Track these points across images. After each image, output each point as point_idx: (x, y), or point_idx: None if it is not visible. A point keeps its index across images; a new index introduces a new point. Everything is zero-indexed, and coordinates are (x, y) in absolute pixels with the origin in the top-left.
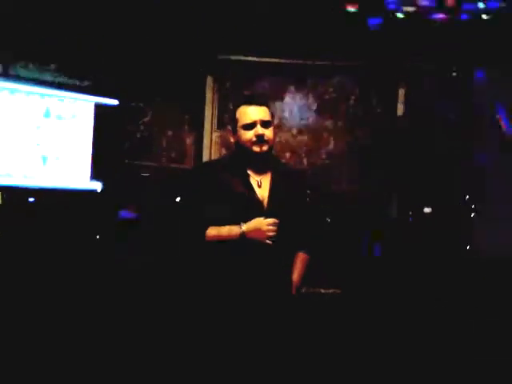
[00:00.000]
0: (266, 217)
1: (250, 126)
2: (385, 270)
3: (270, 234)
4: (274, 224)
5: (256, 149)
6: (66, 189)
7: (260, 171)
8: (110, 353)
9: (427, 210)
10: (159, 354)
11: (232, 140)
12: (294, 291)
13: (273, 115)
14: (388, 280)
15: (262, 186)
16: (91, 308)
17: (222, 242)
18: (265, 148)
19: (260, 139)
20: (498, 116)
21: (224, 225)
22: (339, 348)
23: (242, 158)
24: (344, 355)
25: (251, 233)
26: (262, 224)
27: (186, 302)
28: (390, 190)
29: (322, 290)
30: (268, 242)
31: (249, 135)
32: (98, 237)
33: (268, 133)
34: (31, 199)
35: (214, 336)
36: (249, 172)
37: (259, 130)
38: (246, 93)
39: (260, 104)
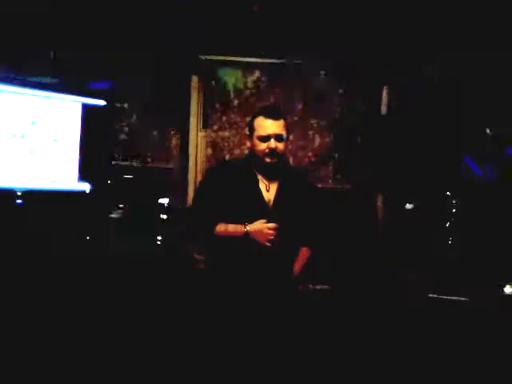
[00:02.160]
0: (270, 218)
1: (264, 139)
2: (372, 266)
3: (270, 237)
4: (274, 229)
5: (267, 160)
6: (54, 190)
7: (269, 178)
8: (105, 354)
9: (409, 206)
10: (160, 352)
11: (248, 145)
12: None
13: (288, 128)
14: (376, 276)
15: (269, 190)
16: (82, 310)
17: (228, 238)
18: (275, 160)
19: (272, 152)
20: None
21: (232, 223)
22: (332, 344)
23: (254, 164)
24: (337, 351)
25: (253, 233)
26: (264, 227)
27: (189, 298)
28: (376, 187)
29: (311, 286)
30: (267, 243)
31: (262, 147)
32: (88, 238)
33: (281, 146)
34: (19, 201)
35: (215, 328)
36: (259, 177)
37: (272, 143)
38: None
39: (277, 118)
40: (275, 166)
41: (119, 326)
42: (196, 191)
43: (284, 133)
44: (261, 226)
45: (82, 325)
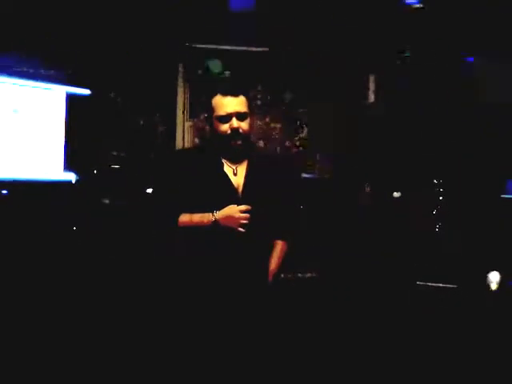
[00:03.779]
0: (240, 204)
1: (224, 119)
2: (360, 252)
3: (243, 221)
4: (246, 211)
5: (231, 142)
6: (39, 180)
7: (235, 160)
8: (87, 346)
9: (396, 194)
10: (136, 344)
11: (207, 128)
12: (270, 278)
13: (250, 104)
14: (363, 263)
15: (237, 174)
16: (69, 301)
17: (198, 231)
18: (239, 142)
19: (235, 133)
20: None
21: (198, 212)
22: (319, 332)
23: (217, 147)
24: (324, 339)
25: (224, 220)
26: (235, 211)
27: (163, 293)
28: (362, 175)
29: (300, 275)
30: (240, 229)
31: (223, 128)
32: (74, 228)
33: (244, 125)
34: (4, 192)
35: (190, 324)
36: (223, 161)
37: (234, 123)
38: (222, 80)
39: (236, 94)
40: (240, 148)
41: (99, 318)
42: (155, 182)
43: (246, 110)
44: (230, 211)
45: (66, 316)
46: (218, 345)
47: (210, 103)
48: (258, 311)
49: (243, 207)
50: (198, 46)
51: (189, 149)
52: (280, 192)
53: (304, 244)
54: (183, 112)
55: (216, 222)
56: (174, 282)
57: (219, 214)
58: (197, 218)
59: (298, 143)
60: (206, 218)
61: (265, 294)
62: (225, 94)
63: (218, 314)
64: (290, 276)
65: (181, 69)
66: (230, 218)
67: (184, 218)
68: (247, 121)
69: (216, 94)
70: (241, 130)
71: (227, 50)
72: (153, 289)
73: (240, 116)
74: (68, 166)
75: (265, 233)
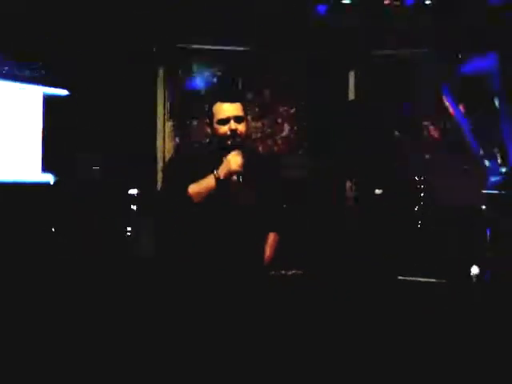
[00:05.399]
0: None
1: (224, 122)
2: (344, 250)
3: (237, 164)
4: (238, 154)
5: (230, 142)
6: (17, 182)
7: None
8: (84, 350)
9: (378, 191)
10: (130, 338)
11: (209, 131)
12: (265, 263)
13: (246, 110)
14: (347, 259)
15: None
16: (48, 303)
17: (201, 224)
18: (237, 142)
19: (233, 134)
20: (444, 98)
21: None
22: (304, 328)
23: (217, 148)
24: (309, 335)
25: (222, 171)
26: (228, 159)
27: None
28: (343, 173)
29: (283, 272)
30: (234, 178)
31: (223, 130)
32: (53, 229)
33: (241, 127)
34: None
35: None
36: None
37: (232, 125)
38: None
39: (234, 101)
40: (238, 146)
41: (82, 318)
42: (165, 177)
43: (242, 114)
44: (226, 161)
45: (46, 318)
46: (218, 331)
47: (211, 109)
48: (257, 296)
49: (235, 152)
50: (178, 45)
51: (192, 150)
52: (272, 188)
53: (288, 241)
54: (163, 111)
55: (217, 176)
56: (177, 272)
57: (219, 170)
58: (203, 183)
59: (279, 142)
60: (209, 178)
61: (261, 281)
62: (224, 101)
63: (220, 297)
64: (273, 273)
65: (161, 68)
66: (227, 164)
67: (192, 188)
68: (243, 123)
69: (216, 102)
70: (238, 132)
71: (206, 50)
72: (155, 281)
73: (237, 119)
74: (46, 167)
75: (260, 225)
